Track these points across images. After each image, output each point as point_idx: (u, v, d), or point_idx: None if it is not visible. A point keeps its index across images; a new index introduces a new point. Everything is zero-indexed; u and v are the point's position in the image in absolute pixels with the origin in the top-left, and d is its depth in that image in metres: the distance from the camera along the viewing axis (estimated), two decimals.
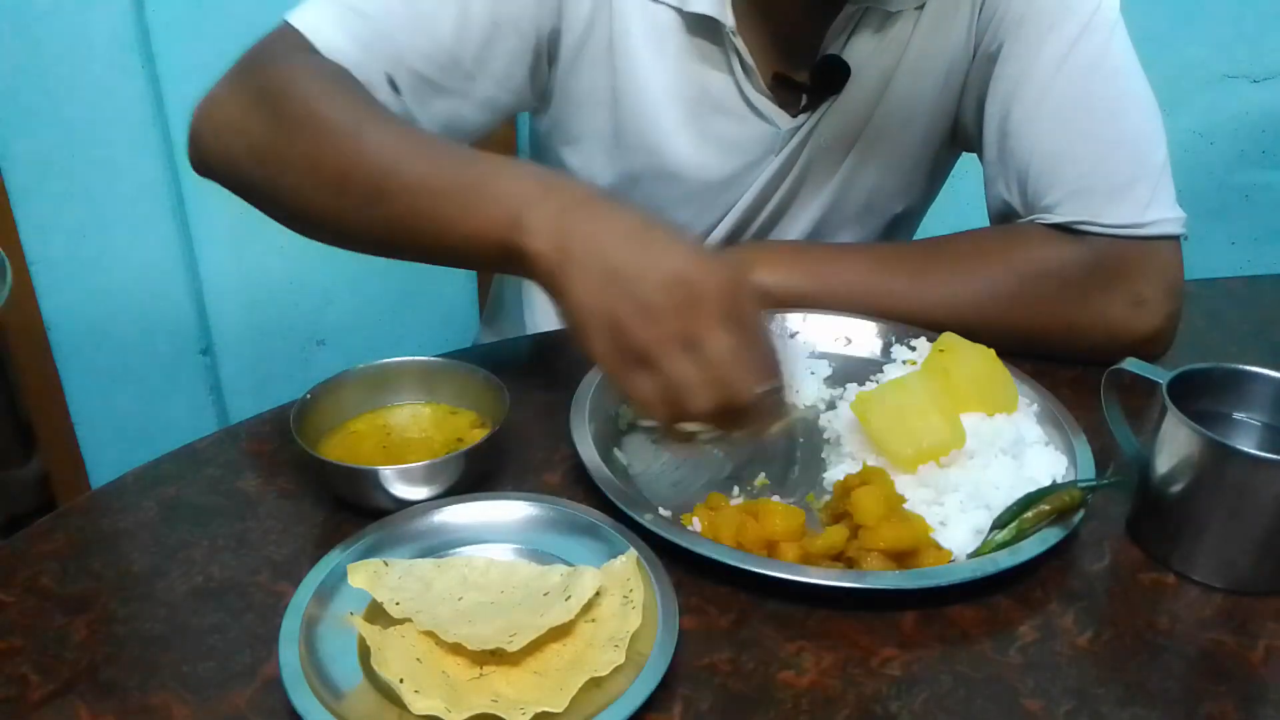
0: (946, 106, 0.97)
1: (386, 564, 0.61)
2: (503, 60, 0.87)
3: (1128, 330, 0.87)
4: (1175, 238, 0.89)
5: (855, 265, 0.91)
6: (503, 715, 0.53)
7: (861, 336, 0.88)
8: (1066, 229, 0.88)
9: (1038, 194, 0.89)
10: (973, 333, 0.80)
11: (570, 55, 0.91)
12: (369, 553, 0.63)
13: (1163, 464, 0.66)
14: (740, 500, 0.71)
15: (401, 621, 0.58)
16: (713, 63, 0.90)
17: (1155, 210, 0.87)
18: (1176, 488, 0.66)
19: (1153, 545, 0.69)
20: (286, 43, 0.81)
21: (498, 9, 0.84)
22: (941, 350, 0.79)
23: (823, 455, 0.77)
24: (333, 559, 0.62)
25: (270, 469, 0.74)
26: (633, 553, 0.62)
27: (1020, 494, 0.68)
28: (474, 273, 1.80)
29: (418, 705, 0.53)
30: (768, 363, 0.63)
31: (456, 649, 0.56)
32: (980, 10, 0.92)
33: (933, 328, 0.84)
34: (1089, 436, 0.74)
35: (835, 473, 0.73)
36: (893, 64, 0.92)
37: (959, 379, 0.76)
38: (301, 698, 0.53)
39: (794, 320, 0.88)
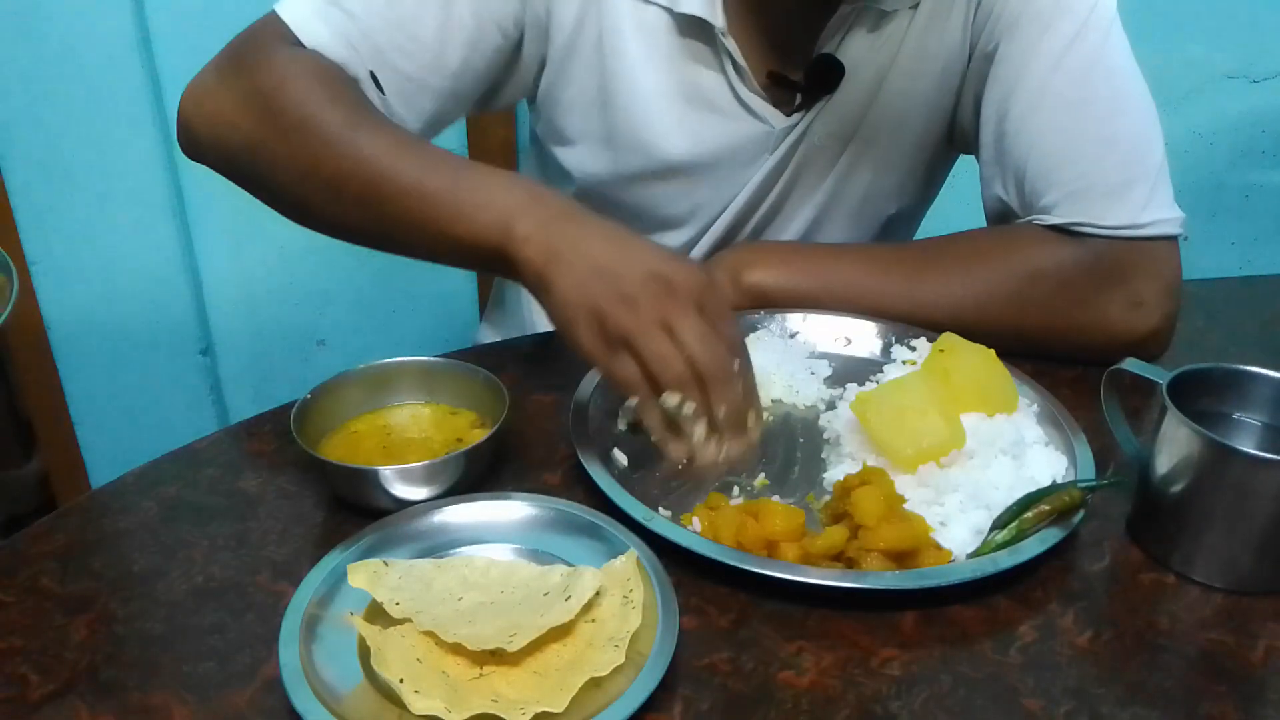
0: (942, 106, 0.97)
1: (386, 564, 0.61)
2: (485, 59, 0.89)
3: (1126, 330, 0.87)
4: (1173, 238, 0.89)
5: (854, 265, 0.91)
6: (503, 715, 0.53)
7: (861, 337, 0.88)
8: (1064, 230, 0.88)
9: (1035, 194, 0.89)
10: (971, 333, 0.80)
11: (560, 56, 0.91)
12: (369, 553, 0.63)
13: (1163, 464, 0.66)
14: (740, 500, 0.71)
15: (401, 621, 0.58)
16: (705, 62, 0.90)
17: (1153, 211, 0.87)
18: (1176, 488, 0.66)
19: (1153, 545, 0.69)
20: (274, 34, 0.82)
21: (480, 10, 0.85)
22: (941, 350, 0.79)
23: (823, 455, 0.77)
24: (333, 559, 0.62)
25: (270, 469, 0.74)
26: (633, 553, 0.62)
27: (1020, 494, 0.68)
28: (474, 272, 1.80)
29: (418, 705, 0.53)
30: (734, 344, 0.70)
31: (456, 649, 0.56)
32: (976, 10, 0.92)
33: (932, 328, 0.84)
34: (1089, 437, 0.74)
35: (835, 473, 0.73)
36: (887, 63, 0.93)
37: (959, 379, 0.76)
38: (301, 698, 0.53)
39: (794, 320, 0.88)
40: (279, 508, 0.71)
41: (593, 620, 0.59)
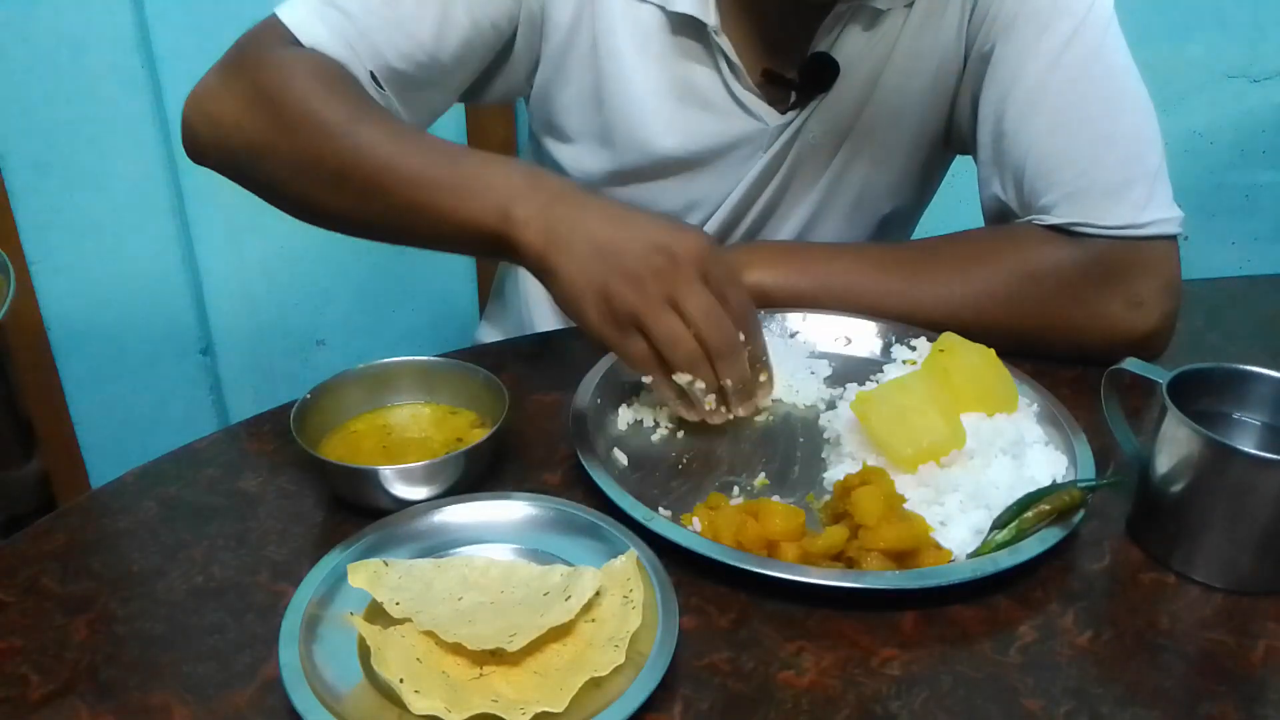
0: (937, 106, 0.97)
1: (386, 564, 0.61)
2: (479, 56, 0.90)
3: (1126, 330, 0.87)
4: (1172, 237, 0.88)
5: (854, 265, 0.91)
6: (503, 715, 0.53)
7: (861, 336, 0.88)
8: (1064, 230, 0.88)
9: (1034, 195, 0.89)
10: (971, 333, 0.80)
11: (555, 56, 0.92)
12: (369, 553, 0.63)
13: (1163, 464, 0.66)
14: (740, 500, 0.71)
15: (401, 621, 0.58)
16: (699, 60, 0.91)
17: (1152, 210, 0.87)
18: (1176, 488, 0.66)
19: (1153, 545, 0.69)
20: (275, 37, 0.84)
21: (475, 9, 0.86)
22: (941, 350, 0.78)
23: (823, 455, 0.77)
24: (333, 559, 0.62)
25: (270, 469, 0.74)
26: (633, 552, 0.62)
27: (1020, 494, 0.68)
28: (474, 272, 1.80)
29: (418, 705, 0.53)
30: (743, 315, 0.72)
31: (456, 649, 0.56)
32: (972, 11, 0.92)
33: (931, 328, 0.84)
34: (1089, 436, 0.74)
35: (835, 472, 0.73)
36: (882, 62, 0.93)
37: (959, 379, 0.76)
38: (301, 698, 0.53)
39: (794, 320, 0.88)
40: (279, 507, 0.71)
41: (593, 620, 0.59)
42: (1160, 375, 0.68)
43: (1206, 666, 0.61)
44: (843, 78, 0.92)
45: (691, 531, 0.66)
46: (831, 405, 0.82)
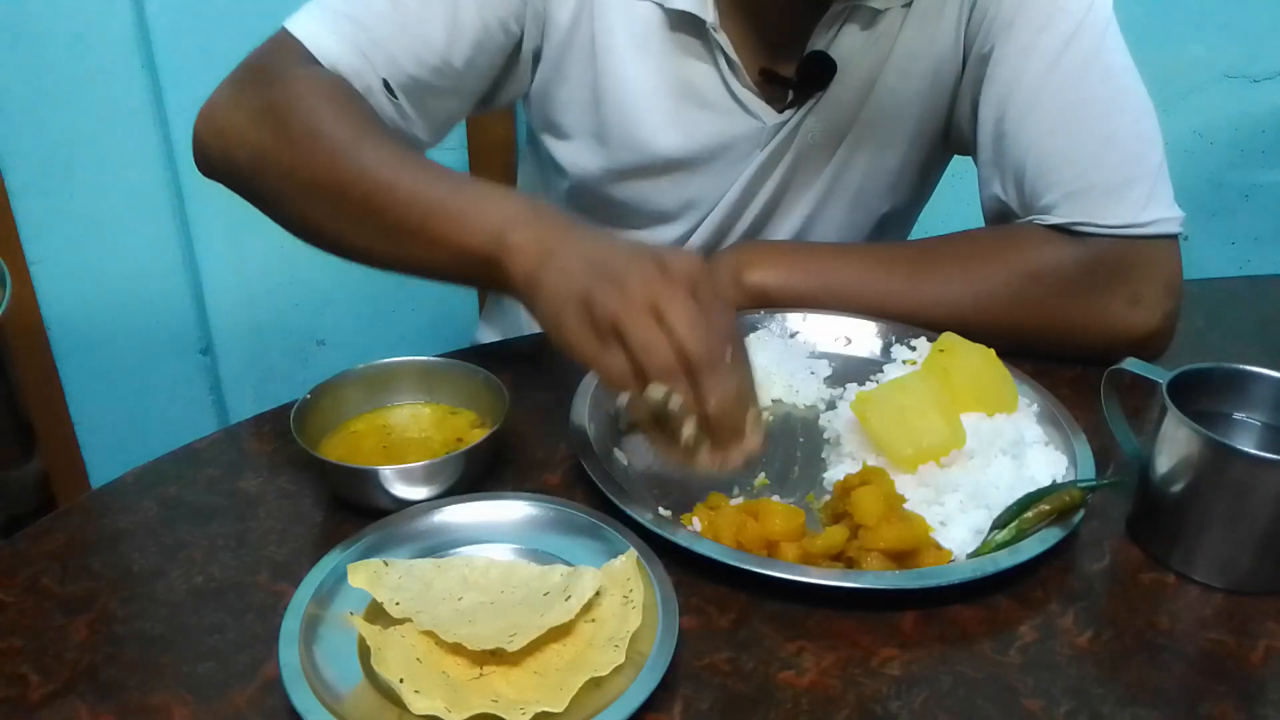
0: (935, 106, 0.97)
1: (386, 564, 0.61)
2: (490, 58, 0.90)
3: (1127, 330, 0.87)
4: (1173, 237, 0.88)
5: (855, 265, 0.91)
6: (503, 715, 0.53)
7: (861, 336, 0.88)
8: (1064, 229, 0.88)
9: (1035, 195, 0.89)
10: (972, 332, 0.80)
11: (555, 54, 0.92)
12: (369, 553, 0.63)
13: (1163, 464, 0.66)
14: (740, 500, 0.71)
15: (401, 621, 0.58)
16: (697, 57, 0.91)
17: (1153, 210, 0.87)
18: (1176, 488, 0.66)
19: (1153, 545, 0.69)
20: (287, 52, 0.83)
21: (485, 10, 0.86)
22: (941, 350, 0.78)
23: (823, 455, 0.77)
24: (333, 559, 0.62)
25: (270, 469, 0.74)
26: (633, 552, 0.62)
27: (1020, 494, 0.68)
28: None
29: (418, 705, 0.53)
30: (730, 337, 0.65)
31: (456, 649, 0.56)
32: (970, 12, 0.92)
33: (933, 327, 0.84)
34: (1089, 436, 0.74)
35: (835, 472, 0.73)
36: (880, 61, 0.93)
37: (959, 379, 0.76)
38: (301, 698, 0.53)
39: (794, 320, 0.88)
40: (279, 507, 0.71)
41: (593, 620, 0.59)
42: (1160, 375, 0.68)
43: (1206, 666, 0.61)
44: (840, 77, 0.92)
45: (691, 532, 0.66)
46: (831, 405, 0.82)
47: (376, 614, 0.59)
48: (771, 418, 0.80)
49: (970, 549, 0.66)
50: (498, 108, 0.99)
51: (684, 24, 0.89)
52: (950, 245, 0.91)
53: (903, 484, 0.70)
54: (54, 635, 0.60)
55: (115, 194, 1.56)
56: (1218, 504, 0.64)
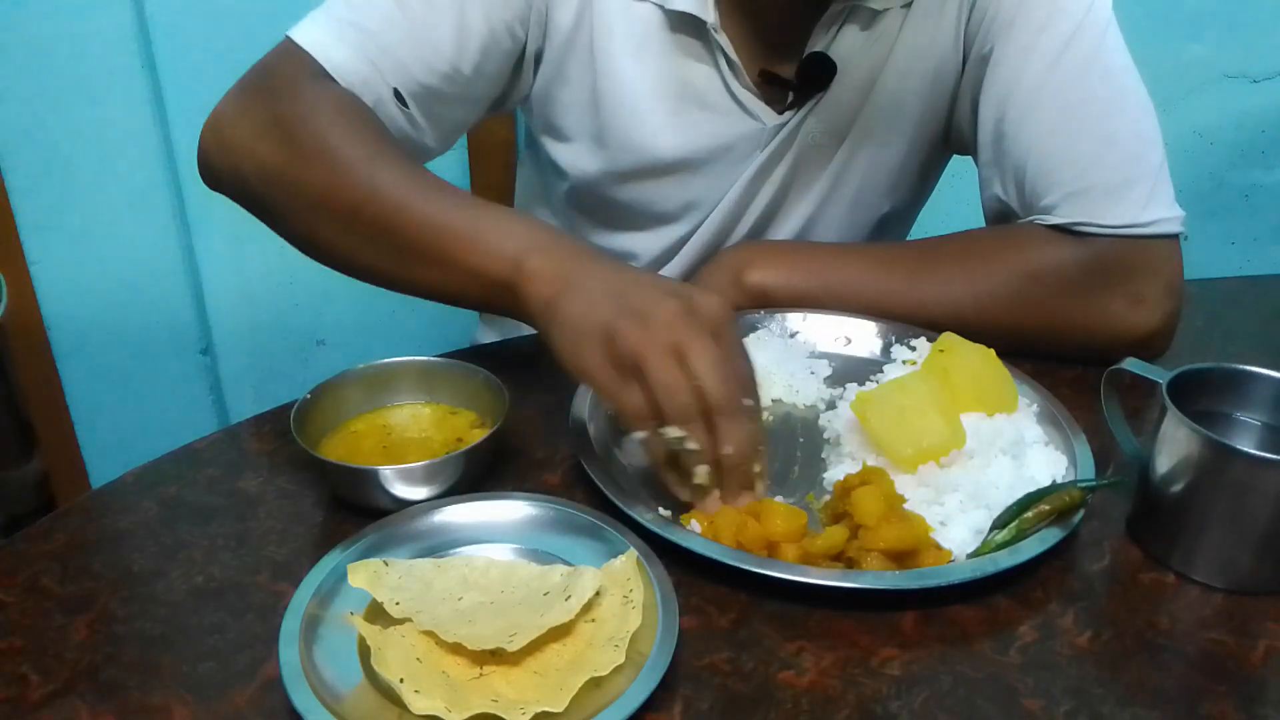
0: (936, 107, 0.97)
1: (386, 564, 0.61)
2: (497, 63, 0.90)
3: (1128, 329, 0.87)
4: (1174, 237, 0.88)
5: (856, 264, 0.91)
6: (503, 715, 0.53)
7: (861, 336, 0.88)
8: (1065, 229, 0.88)
9: (1035, 195, 0.89)
10: (972, 332, 0.80)
11: (556, 56, 0.92)
12: (369, 553, 0.63)
13: (1163, 464, 0.66)
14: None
15: (401, 621, 0.58)
16: (697, 58, 0.91)
17: (1154, 210, 0.87)
18: (1176, 488, 0.66)
19: (1153, 545, 0.69)
20: (294, 63, 0.82)
21: (492, 15, 0.85)
22: (941, 350, 0.78)
23: (823, 455, 0.77)
24: (333, 559, 0.62)
25: (270, 469, 0.74)
26: (633, 552, 0.62)
27: (1020, 494, 0.68)
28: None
29: (418, 705, 0.53)
30: (747, 380, 0.67)
31: (456, 649, 0.56)
32: (970, 11, 0.92)
33: (933, 327, 0.84)
34: (1089, 436, 0.74)
35: (835, 473, 0.73)
36: (880, 62, 0.93)
37: (959, 379, 0.76)
38: (302, 698, 0.53)
39: (794, 320, 0.88)
40: (279, 508, 0.71)
41: (593, 620, 0.59)
42: (1160, 375, 0.68)
43: (1206, 666, 0.61)
44: (840, 78, 0.92)
45: (691, 532, 0.66)
46: (831, 405, 0.82)
47: (376, 614, 0.59)
48: (771, 418, 0.80)
49: (970, 549, 0.66)
50: (503, 112, 0.99)
51: (684, 25, 0.89)
52: (951, 245, 0.91)
53: (903, 484, 0.70)
54: (54, 635, 0.60)
55: (115, 194, 1.56)
56: (1218, 504, 0.64)
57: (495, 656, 0.56)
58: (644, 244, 1.02)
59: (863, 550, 0.64)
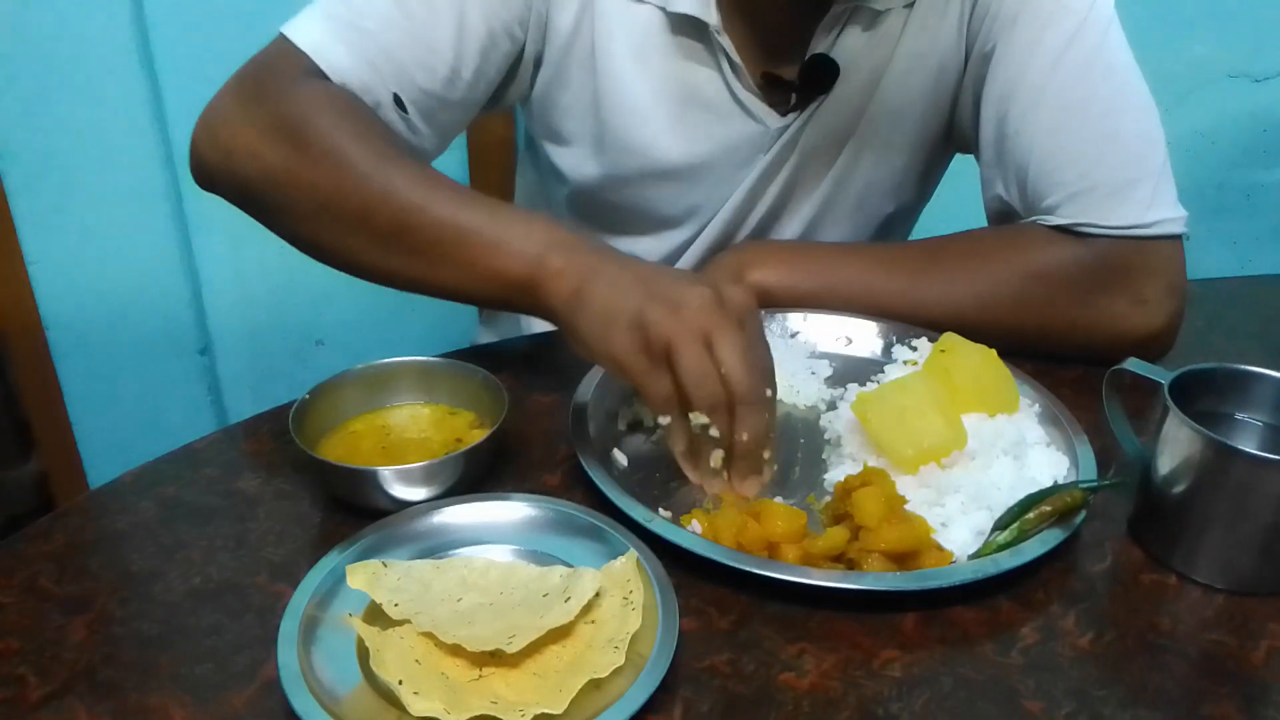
0: (939, 106, 0.97)
1: (385, 565, 0.61)
2: (496, 66, 0.89)
3: (1130, 330, 0.87)
4: (1177, 237, 0.88)
5: (857, 264, 0.91)
6: (502, 717, 0.53)
7: (862, 336, 0.88)
8: (1068, 230, 0.88)
9: (1037, 195, 0.89)
10: (974, 333, 0.80)
11: (556, 59, 0.91)
12: (368, 554, 0.63)
13: (1164, 464, 0.66)
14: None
15: (400, 623, 0.58)
16: (700, 61, 0.90)
17: (1157, 210, 0.87)
18: (1178, 488, 0.66)
19: (1154, 546, 0.68)
20: (290, 62, 0.81)
21: (491, 16, 0.85)
22: (943, 350, 0.78)
23: (823, 456, 0.76)
24: (331, 560, 0.62)
25: (269, 469, 0.74)
26: (632, 554, 0.62)
27: (1022, 495, 0.68)
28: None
29: (417, 707, 0.53)
30: (768, 370, 0.69)
31: (455, 650, 0.56)
32: (972, 10, 0.91)
33: (935, 327, 0.84)
34: (1090, 437, 0.74)
35: (836, 474, 0.73)
36: (883, 62, 0.92)
37: (960, 379, 0.76)
38: (300, 699, 0.53)
39: (795, 320, 0.88)
40: (277, 508, 0.71)
41: (592, 622, 0.59)
42: (1162, 376, 0.68)
43: (1208, 668, 0.60)
44: (843, 79, 0.91)
45: (691, 533, 0.65)
46: (832, 406, 0.81)
47: (375, 615, 0.59)
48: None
49: (971, 550, 0.66)
50: (497, 111, 0.98)
51: (686, 27, 0.89)
52: (953, 245, 0.91)
53: (904, 485, 0.69)
54: (52, 636, 0.60)
55: (114, 194, 1.56)
56: (1219, 504, 0.64)
57: (494, 658, 0.56)
58: (646, 249, 1.02)
59: (864, 551, 0.64)
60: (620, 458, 0.74)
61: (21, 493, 1.70)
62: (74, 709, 0.56)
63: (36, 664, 0.58)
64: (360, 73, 0.82)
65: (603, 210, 1.00)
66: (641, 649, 0.56)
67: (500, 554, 0.65)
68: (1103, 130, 0.87)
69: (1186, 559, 0.66)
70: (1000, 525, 0.66)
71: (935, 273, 0.89)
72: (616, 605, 0.59)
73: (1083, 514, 0.67)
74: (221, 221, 1.59)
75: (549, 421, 0.78)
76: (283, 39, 0.82)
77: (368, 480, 0.67)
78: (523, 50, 0.91)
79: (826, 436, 0.78)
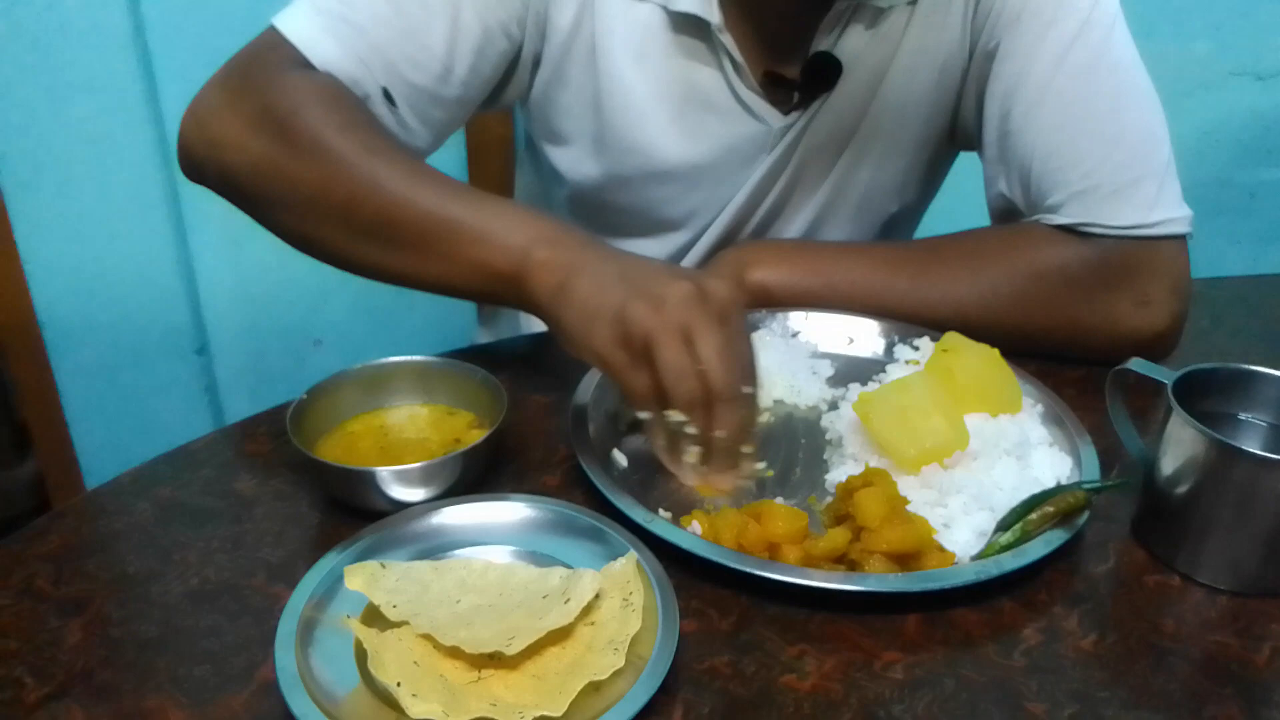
0: (942, 104, 0.96)
1: (384, 566, 0.61)
2: (491, 64, 0.88)
3: (1134, 330, 0.87)
4: (1181, 237, 0.88)
5: (859, 263, 0.90)
6: (501, 719, 0.52)
7: (864, 336, 0.87)
8: (1071, 229, 0.87)
9: (1041, 194, 0.89)
10: (977, 332, 0.79)
11: (555, 58, 0.91)
12: (366, 555, 0.62)
13: (1168, 465, 0.66)
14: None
15: (399, 624, 0.57)
16: (702, 60, 0.90)
17: (1161, 210, 0.86)
18: (1182, 489, 0.65)
19: (1158, 547, 0.68)
20: (279, 54, 0.81)
21: (486, 14, 0.84)
22: (945, 350, 0.78)
23: (825, 456, 0.76)
24: (329, 561, 0.61)
25: (266, 470, 0.74)
26: (632, 555, 0.61)
27: (1024, 495, 0.68)
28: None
29: (415, 709, 0.52)
30: (748, 366, 0.70)
31: (454, 652, 0.56)
32: (976, 7, 0.91)
33: (938, 327, 0.84)
34: (1093, 437, 0.74)
35: (837, 474, 0.73)
36: (886, 61, 0.92)
37: (962, 379, 0.76)
38: (298, 702, 0.52)
39: (796, 320, 0.88)
40: (275, 509, 0.70)
41: (592, 623, 0.59)
42: (1165, 376, 0.67)
43: (1212, 669, 0.60)
44: (846, 77, 0.91)
45: (692, 534, 0.65)
46: (834, 406, 0.81)
47: (373, 617, 0.59)
48: (773, 418, 0.80)
49: (974, 551, 0.66)
50: (496, 110, 0.98)
51: (687, 26, 0.88)
52: (955, 244, 0.90)
53: (905, 485, 0.69)
54: (48, 638, 0.60)
55: (110, 192, 1.56)
56: (1223, 505, 0.64)
57: (494, 660, 0.56)
58: (647, 251, 1.01)
59: (865, 552, 0.63)
60: (620, 458, 0.74)
61: (18, 493, 1.70)
62: (71, 711, 0.55)
63: (33, 666, 0.58)
64: (349, 66, 0.81)
65: (603, 211, 1.00)
66: (641, 651, 0.56)
67: (499, 555, 0.64)
68: (1107, 129, 0.87)
69: (1190, 560, 0.66)
70: (1003, 526, 0.66)
71: (938, 272, 0.89)
72: (616, 607, 0.59)
73: (1086, 515, 0.67)
74: (218, 221, 1.59)
75: (548, 422, 0.78)
76: (272, 30, 0.82)
77: (366, 481, 0.67)
78: (521, 49, 0.90)
79: (828, 437, 0.78)
